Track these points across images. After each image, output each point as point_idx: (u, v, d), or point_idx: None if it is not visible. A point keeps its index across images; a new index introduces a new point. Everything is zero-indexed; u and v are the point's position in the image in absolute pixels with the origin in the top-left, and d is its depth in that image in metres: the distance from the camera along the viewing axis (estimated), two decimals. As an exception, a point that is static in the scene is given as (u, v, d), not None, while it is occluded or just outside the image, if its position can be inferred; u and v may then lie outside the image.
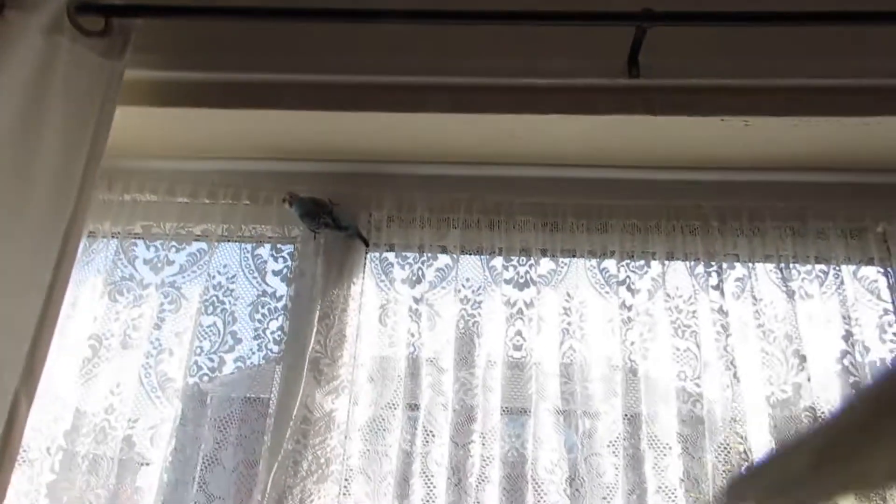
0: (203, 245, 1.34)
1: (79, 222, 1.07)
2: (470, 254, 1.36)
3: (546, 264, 1.33)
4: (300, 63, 1.25)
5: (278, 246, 1.37)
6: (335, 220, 1.32)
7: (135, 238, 1.33)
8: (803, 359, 1.19)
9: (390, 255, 1.35)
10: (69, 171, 1.05)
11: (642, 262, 1.31)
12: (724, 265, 1.29)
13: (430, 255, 1.34)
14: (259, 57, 1.24)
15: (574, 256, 1.33)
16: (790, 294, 1.25)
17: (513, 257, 1.33)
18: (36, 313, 1.00)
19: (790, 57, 1.16)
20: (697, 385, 1.20)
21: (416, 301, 1.31)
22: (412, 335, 1.28)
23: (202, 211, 1.35)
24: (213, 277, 1.32)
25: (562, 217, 1.34)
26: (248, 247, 1.36)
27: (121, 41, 1.10)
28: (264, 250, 1.36)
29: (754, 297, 1.25)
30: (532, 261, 1.32)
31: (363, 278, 1.33)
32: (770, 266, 1.28)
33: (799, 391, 1.17)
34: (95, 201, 1.12)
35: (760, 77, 1.15)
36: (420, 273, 1.33)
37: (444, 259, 1.35)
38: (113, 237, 1.32)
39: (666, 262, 1.30)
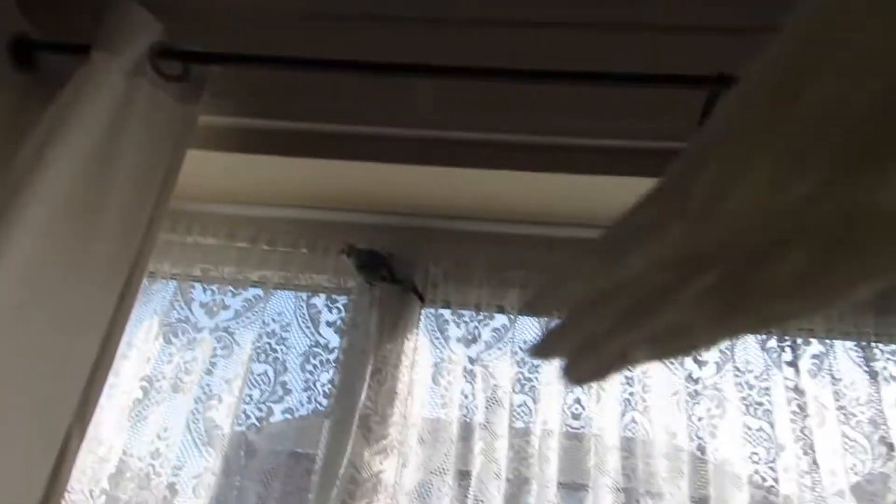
0: (259, 291, 1.33)
1: (143, 262, 1.07)
2: (528, 315, 1.31)
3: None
4: (366, 115, 1.25)
5: (333, 296, 1.35)
6: (392, 274, 1.31)
7: (193, 280, 1.33)
8: (890, 447, 1.09)
9: (446, 312, 1.32)
10: (139, 212, 1.06)
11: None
12: (799, 340, 1.21)
13: (486, 314, 1.31)
14: (326, 107, 1.25)
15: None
16: (873, 375, 1.17)
17: (573, 320, 1.28)
18: (94, 351, 1.00)
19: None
20: (772, 469, 1.11)
21: (472, 361, 1.26)
22: (466, 397, 1.23)
23: (261, 257, 1.34)
24: (267, 325, 1.30)
25: (625, 281, 1.29)
26: (304, 296, 1.34)
27: (197, 86, 1.13)
28: (319, 300, 1.34)
29: (833, 377, 1.17)
30: (593, 325, 1.27)
31: (417, 334, 1.29)
32: (850, 343, 1.20)
33: (886, 483, 1.07)
34: (158, 242, 1.12)
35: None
36: (476, 332, 1.29)
37: (500, 319, 1.31)
38: (172, 278, 1.32)
39: (736, 335, 1.23)
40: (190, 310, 1.30)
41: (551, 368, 1.24)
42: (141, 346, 1.25)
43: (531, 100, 1.20)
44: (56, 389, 0.96)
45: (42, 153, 0.97)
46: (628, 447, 1.17)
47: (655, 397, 1.20)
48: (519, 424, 1.21)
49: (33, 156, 0.97)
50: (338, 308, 1.34)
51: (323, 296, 1.35)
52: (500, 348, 1.28)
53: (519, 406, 1.23)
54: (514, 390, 1.23)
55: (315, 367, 1.28)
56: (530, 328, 1.30)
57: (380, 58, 1.15)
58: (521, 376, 1.25)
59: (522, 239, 1.36)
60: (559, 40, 1.27)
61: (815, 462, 1.10)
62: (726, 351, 1.22)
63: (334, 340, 1.31)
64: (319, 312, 1.33)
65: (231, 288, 1.33)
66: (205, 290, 1.33)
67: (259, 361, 1.27)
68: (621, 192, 1.24)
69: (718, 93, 1.08)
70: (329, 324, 1.33)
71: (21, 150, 0.99)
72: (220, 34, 1.21)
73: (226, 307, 1.31)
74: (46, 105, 1.02)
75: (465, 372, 1.25)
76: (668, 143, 1.17)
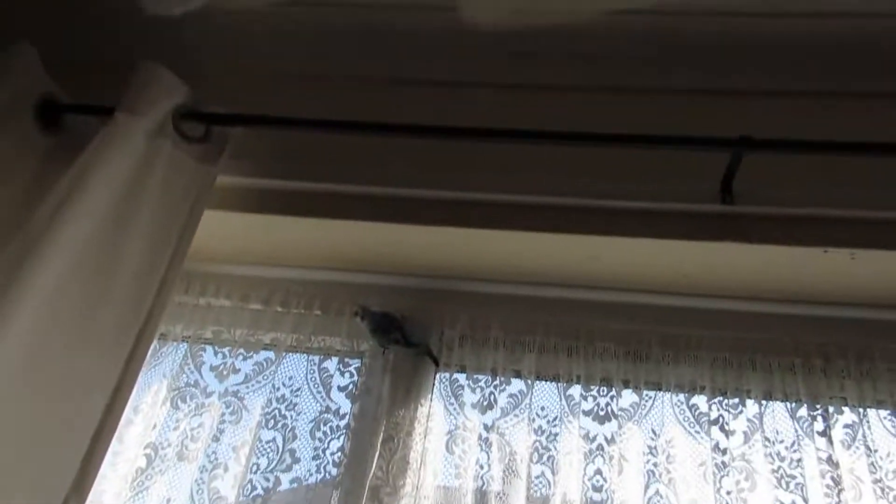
0: (270, 354, 1.30)
1: (153, 324, 1.04)
2: (546, 380, 1.27)
3: (629, 396, 1.23)
4: (382, 175, 1.25)
5: (346, 360, 1.32)
6: (405, 337, 1.28)
7: (204, 343, 1.31)
8: (933, 524, 1.03)
9: (461, 377, 1.28)
10: (152, 272, 1.04)
11: (736, 400, 1.20)
12: (831, 409, 1.17)
13: (503, 378, 1.27)
14: (343, 168, 1.25)
15: (660, 390, 1.23)
16: (910, 447, 1.12)
17: (592, 387, 1.24)
18: (97, 417, 0.96)
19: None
20: (808, 547, 1.05)
21: (487, 429, 1.22)
22: (481, 466, 1.18)
23: (273, 319, 1.32)
24: (278, 389, 1.26)
25: (646, 346, 1.26)
26: (315, 359, 1.31)
27: (217, 147, 1.13)
28: (331, 364, 1.31)
29: (868, 448, 1.12)
30: (613, 392, 1.23)
31: (431, 400, 1.26)
32: (884, 413, 1.16)
33: (931, 564, 1.01)
34: (170, 303, 1.10)
35: (869, 208, 1.09)
36: (492, 398, 1.25)
37: (517, 384, 1.27)
38: (183, 341, 1.29)
39: (763, 402, 1.19)
40: (200, 373, 1.27)
41: (571, 437, 1.19)
42: (147, 412, 1.21)
43: (550, 161, 1.20)
44: (55, 456, 0.91)
45: (59, 212, 0.96)
46: (654, 522, 1.11)
47: (680, 468, 1.15)
48: (537, 496, 1.16)
49: (50, 214, 0.96)
50: (350, 372, 1.31)
51: (335, 359, 1.32)
52: (516, 415, 1.23)
53: (537, 477, 1.17)
54: (531, 460, 1.18)
55: (325, 433, 1.23)
56: (548, 394, 1.26)
57: (395, 119, 1.16)
58: (539, 445, 1.20)
59: (540, 301, 1.33)
60: (575, 103, 1.29)
61: (853, 540, 1.04)
62: (754, 420, 1.17)
63: (345, 406, 1.27)
64: (331, 377, 1.29)
65: (242, 351, 1.30)
66: (216, 353, 1.30)
67: (268, 428, 1.22)
68: (641, 253, 1.23)
69: (741, 155, 1.08)
70: (341, 388, 1.29)
71: (39, 209, 0.98)
72: (236, 95, 1.21)
73: (236, 371, 1.27)
74: (70, 166, 1.01)
75: (480, 440, 1.20)
76: (688, 205, 1.16)
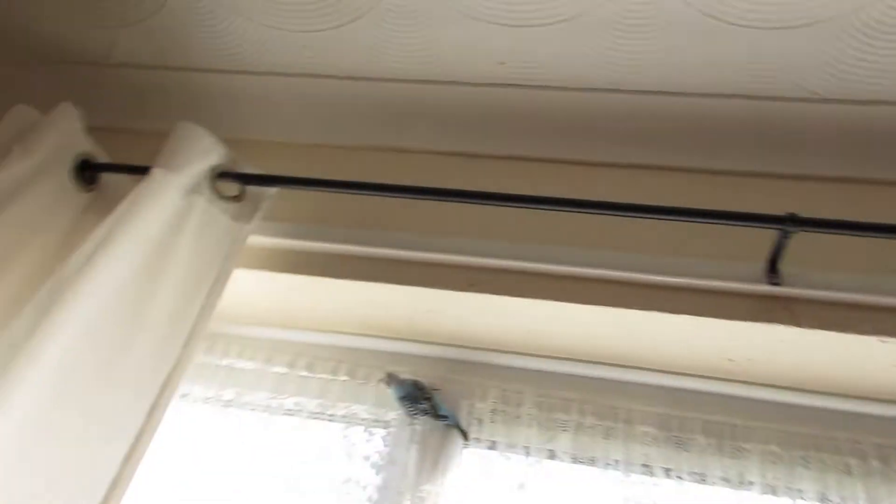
0: (294, 420, 1.26)
1: (176, 378, 1.02)
2: (582, 463, 1.20)
3: (670, 486, 1.15)
4: (417, 240, 1.22)
5: (371, 429, 1.27)
6: (434, 408, 1.23)
7: (224, 405, 1.28)
8: None
9: (491, 454, 1.21)
10: (177, 330, 1.02)
11: (788, 499, 1.10)
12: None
13: (536, 459, 1.20)
14: (376, 232, 1.23)
15: (704, 482, 1.14)
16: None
17: (631, 473, 1.16)
18: (116, 466, 0.92)
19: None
20: None
21: (518, 510, 1.14)
22: (510, 549, 1.11)
23: (297, 383, 1.29)
24: (299, 456, 1.22)
25: (688, 433, 1.18)
26: (339, 426, 1.27)
27: (252, 207, 1.13)
28: (355, 432, 1.26)
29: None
30: (654, 480, 1.15)
31: (459, 476, 1.19)
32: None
33: None
34: (193, 363, 1.08)
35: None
36: (523, 478, 1.18)
37: (550, 465, 1.19)
38: (205, 402, 1.27)
39: (819, 505, 1.09)
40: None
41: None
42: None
43: (591, 232, 1.17)
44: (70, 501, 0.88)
45: (92, 258, 0.95)
46: None
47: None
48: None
49: (83, 260, 0.96)
50: (374, 442, 1.25)
51: (360, 427, 1.27)
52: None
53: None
54: (564, 549, 1.10)
55: (347, 506, 1.18)
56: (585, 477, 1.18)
57: (440, 184, 1.14)
58: (571, 532, 1.12)
59: (576, 379, 1.27)
60: (621, 177, 1.26)
61: None
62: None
63: (368, 476, 1.21)
64: (354, 445, 1.25)
65: (265, 415, 1.26)
66: (235, 416, 1.27)
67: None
68: (682, 332, 1.16)
69: (788, 233, 1.02)
70: (365, 458, 1.24)
71: (72, 256, 0.98)
72: (271, 163, 1.22)
73: (257, 436, 1.24)
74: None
75: (509, 523, 1.13)
76: (733, 283, 1.10)
